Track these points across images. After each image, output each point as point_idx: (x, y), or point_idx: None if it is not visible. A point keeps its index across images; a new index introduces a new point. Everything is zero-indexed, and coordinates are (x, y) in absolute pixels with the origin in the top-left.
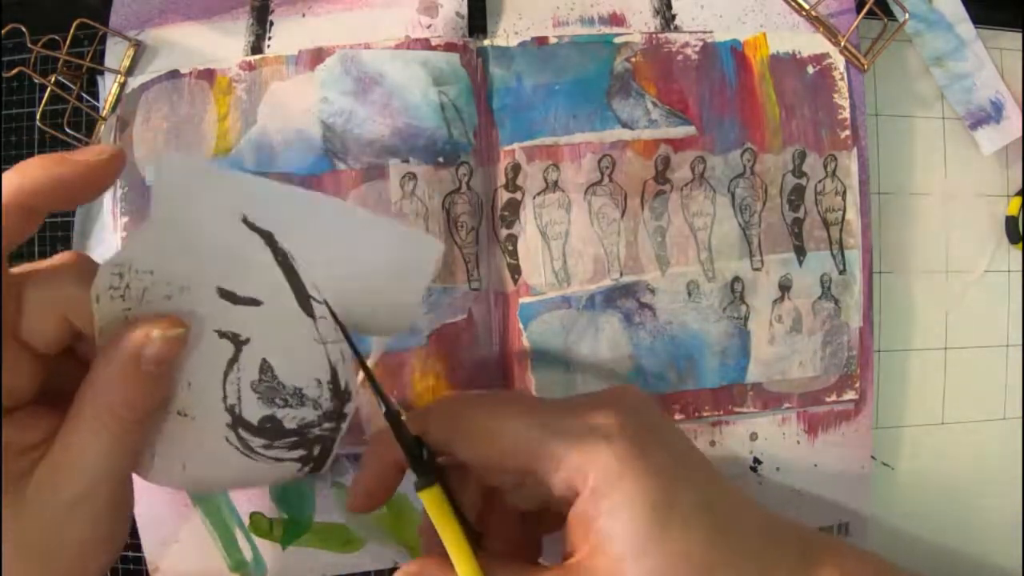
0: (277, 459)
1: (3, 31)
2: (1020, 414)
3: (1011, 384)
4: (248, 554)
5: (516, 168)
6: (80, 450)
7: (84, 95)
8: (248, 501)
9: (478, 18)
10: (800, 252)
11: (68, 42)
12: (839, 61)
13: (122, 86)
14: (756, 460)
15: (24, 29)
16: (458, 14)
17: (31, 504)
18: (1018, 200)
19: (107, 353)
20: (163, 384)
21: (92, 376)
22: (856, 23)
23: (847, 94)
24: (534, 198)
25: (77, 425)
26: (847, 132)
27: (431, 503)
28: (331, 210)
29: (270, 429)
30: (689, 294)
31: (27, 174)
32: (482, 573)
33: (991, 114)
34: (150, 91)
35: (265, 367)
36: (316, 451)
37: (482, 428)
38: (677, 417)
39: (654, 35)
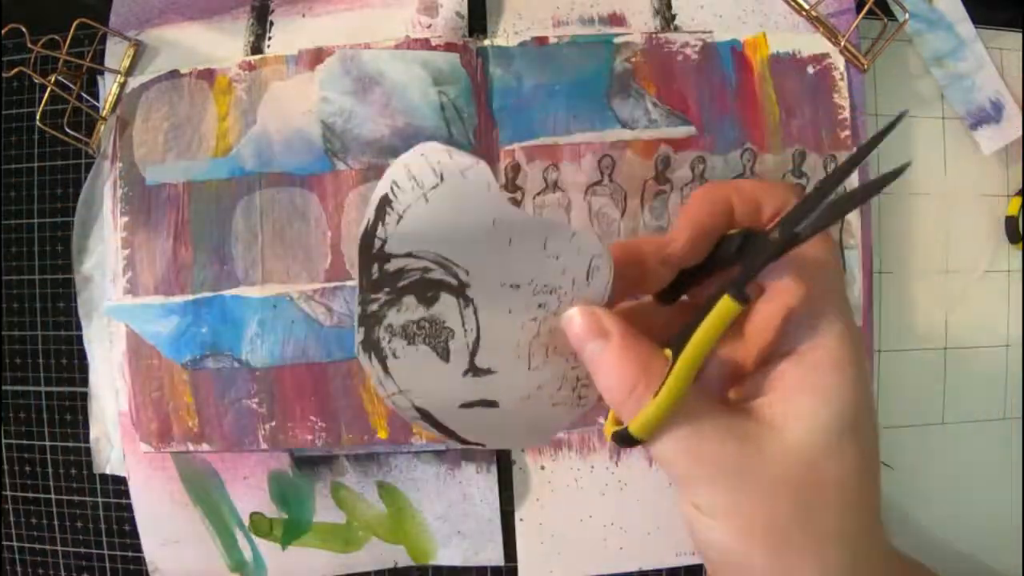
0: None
1: (3, 31)
2: (1020, 414)
3: (1011, 384)
4: (248, 554)
5: (516, 168)
6: None
7: (84, 95)
8: (248, 501)
9: (478, 18)
10: None
11: (68, 42)
12: (839, 61)
13: (122, 86)
14: None
15: (24, 29)
16: (458, 14)
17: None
18: (1018, 200)
19: None
20: None
21: None
22: (856, 23)
23: (847, 94)
24: (534, 198)
25: None
26: (847, 132)
27: (724, 314)
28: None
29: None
30: None
31: None
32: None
33: (991, 114)
34: (150, 91)
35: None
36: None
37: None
38: None
39: (654, 35)
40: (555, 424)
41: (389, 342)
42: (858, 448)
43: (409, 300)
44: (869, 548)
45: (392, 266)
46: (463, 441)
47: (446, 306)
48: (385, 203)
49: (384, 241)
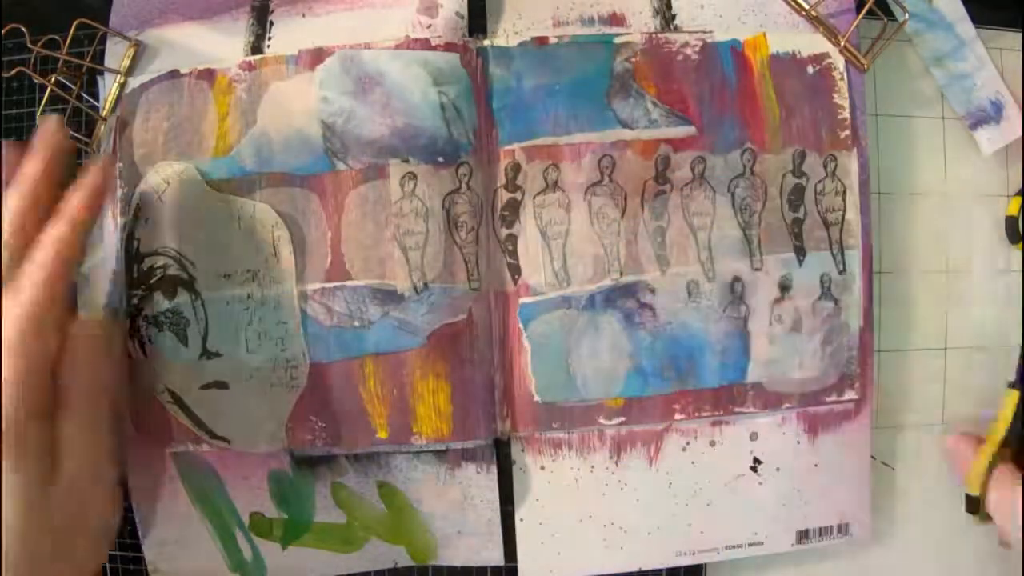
0: None
1: (3, 31)
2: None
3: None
4: (248, 554)
5: (516, 168)
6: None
7: (84, 95)
8: (248, 501)
9: (478, 18)
10: (800, 252)
11: (68, 42)
12: (839, 61)
13: (122, 86)
14: (756, 460)
15: (24, 29)
16: (458, 14)
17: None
18: (1018, 200)
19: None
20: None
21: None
22: (856, 23)
23: (847, 94)
24: (534, 198)
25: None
26: (847, 132)
27: (1011, 401)
28: None
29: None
30: (689, 294)
31: None
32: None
33: (991, 114)
34: (150, 91)
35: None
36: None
37: None
38: (677, 417)
39: (654, 35)
40: (279, 411)
41: (146, 330)
42: None
43: (158, 295)
44: None
45: (145, 264)
46: (212, 434)
47: (182, 299)
48: (138, 210)
49: (139, 240)
